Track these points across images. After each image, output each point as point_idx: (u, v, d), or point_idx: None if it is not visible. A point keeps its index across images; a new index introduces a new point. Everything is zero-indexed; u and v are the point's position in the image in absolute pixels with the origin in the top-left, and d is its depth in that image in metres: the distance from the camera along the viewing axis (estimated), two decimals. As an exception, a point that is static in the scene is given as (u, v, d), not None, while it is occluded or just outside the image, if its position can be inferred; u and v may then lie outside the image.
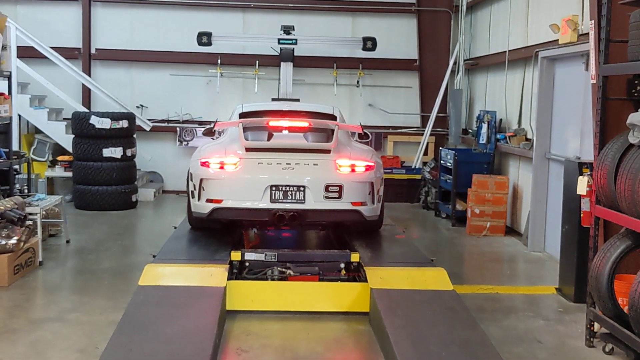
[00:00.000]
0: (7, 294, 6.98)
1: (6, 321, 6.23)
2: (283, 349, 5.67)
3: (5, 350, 5.53)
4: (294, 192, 7.13)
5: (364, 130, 8.24)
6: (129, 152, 12.11)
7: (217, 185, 7.22)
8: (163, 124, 13.88)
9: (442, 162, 11.80)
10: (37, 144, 12.88)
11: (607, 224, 6.48)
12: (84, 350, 5.53)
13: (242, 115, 8.25)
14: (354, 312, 6.46)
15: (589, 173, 6.44)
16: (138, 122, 12.76)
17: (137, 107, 13.65)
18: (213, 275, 6.39)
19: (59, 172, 12.67)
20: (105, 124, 11.74)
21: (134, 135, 12.47)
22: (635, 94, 6.09)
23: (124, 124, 11.96)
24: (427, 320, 5.70)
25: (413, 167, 13.43)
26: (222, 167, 7.21)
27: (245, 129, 7.44)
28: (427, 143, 13.64)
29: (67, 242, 9.24)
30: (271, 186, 7.09)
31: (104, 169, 11.79)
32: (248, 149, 7.28)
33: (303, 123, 7.55)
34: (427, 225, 11.45)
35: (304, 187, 7.11)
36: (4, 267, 7.15)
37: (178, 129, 13.85)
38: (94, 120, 11.73)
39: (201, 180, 7.30)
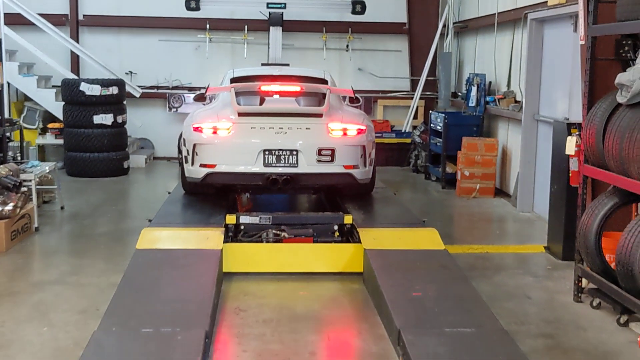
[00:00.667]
0: (5, 259, 7.08)
1: (7, 284, 6.34)
2: (280, 308, 5.81)
3: (8, 312, 5.65)
4: (286, 156, 7.21)
5: (355, 94, 8.31)
6: (119, 119, 12.12)
7: (210, 150, 7.28)
8: (153, 91, 13.88)
9: (431, 125, 11.90)
10: (26, 111, 12.87)
11: (595, 183, 6.63)
12: (86, 312, 5.65)
13: (234, 80, 8.28)
14: (348, 272, 6.60)
15: (577, 133, 6.57)
16: (128, 88, 12.77)
17: (126, 73, 13.63)
18: (209, 238, 6.51)
19: (49, 139, 12.69)
20: (95, 90, 11.74)
21: (124, 102, 12.47)
22: (623, 54, 6.19)
23: (113, 90, 11.96)
24: (420, 279, 5.85)
25: (403, 131, 13.53)
26: (215, 132, 7.27)
27: (237, 94, 7.49)
28: (417, 107, 13.72)
29: (62, 208, 9.32)
30: (264, 150, 7.17)
31: (95, 135, 11.82)
32: (241, 114, 7.33)
33: (295, 87, 7.61)
34: (418, 188, 11.59)
35: (296, 151, 7.20)
36: (1, 233, 7.23)
37: (167, 95, 13.85)
38: (83, 87, 11.72)
39: (194, 145, 7.36)
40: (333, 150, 7.25)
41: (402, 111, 13.97)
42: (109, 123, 11.91)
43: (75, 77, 12.58)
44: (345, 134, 7.37)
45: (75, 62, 13.60)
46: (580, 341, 5.29)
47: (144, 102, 13.71)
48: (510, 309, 5.90)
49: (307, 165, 7.22)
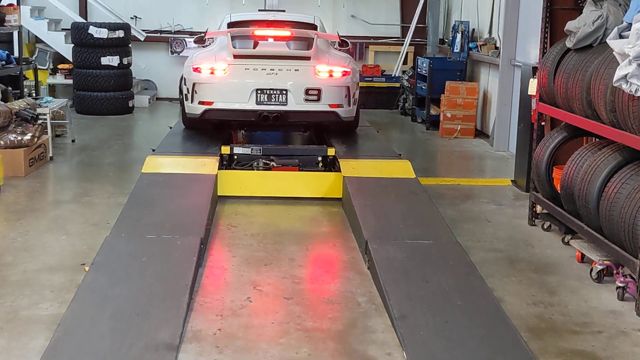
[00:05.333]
0: (24, 183, 7.89)
1: (27, 203, 7.18)
2: (267, 225, 6.65)
3: (31, 224, 6.49)
4: (277, 95, 7.96)
5: (342, 39, 9.01)
6: (125, 61, 12.84)
7: (208, 88, 8.03)
8: (156, 35, 14.52)
9: (418, 70, 12.58)
10: (37, 53, 13.57)
11: (553, 121, 7.38)
12: (98, 224, 6.48)
13: (230, 24, 8.97)
14: (328, 197, 7.40)
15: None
16: (133, 32, 13.43)
17: (131, 18, 14.26)
18: (206, 164, 7.31)
19: (59, 79, 13.43)
20: (102, 33, 12.43)
21: (130, 45, 13.15)
22: (580, 4, 6.87)
23: (120, 33, 12.66)
24: (389, 201, 6.67)
25: (393, 75, 14.17)
26: (212, 73, 8.02)
27: (233, 38, 8.19)
28: (407, 53, 14.34)
29: (73, 141, 10.11)
30: (257, 89, 7.92)
31: (102, 76, 12.55)
32: (236, 56, 8.06)
33: (286, 32, 8.31)
34: (404, 129, 12.34)
35: (286, 90, 7.94)
36: (21, 160, 8.03)
37: (170, 39, 14.50)
38: (92, 30, 12.41)
39: (194, 84, 8.10)
40: (319, 90, 7.98)
41: (392, 57, 14.61)
42: (116, 64, 12.63)
43: (84, 21, 13.24)
44: (330, 75, 8.10)
45: (83, 6, 14.26)
46: (526, 255, 6.12)
47: (147, 45, 14.38)
48: (470, 230, 6.70)
49: (296, 103, 7.97)
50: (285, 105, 7.97)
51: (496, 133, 10.45)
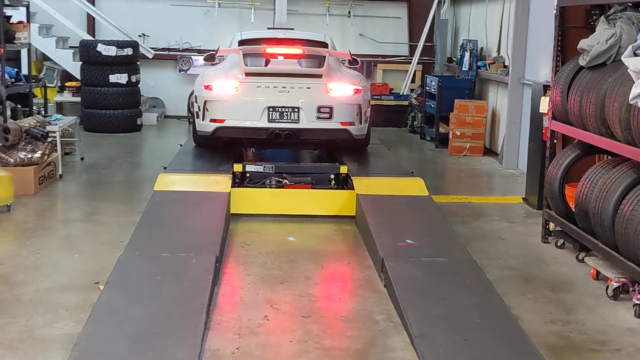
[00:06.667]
0: (34, 201, 7.88)
1: (38, 221, 7.16)
2: (281, 243, 6.63)
3: (42, 242, 6.48)
4: (289, 113, 7.97)
5: (353, 57, 9.03)
6: (133, 78, 12.88)
7: (220, 106, 8.04)
8: (164, 52, 14.58)
9: (427, 88, 12.60)
10: (45, 70, 13.62)
11: (565, 139, 7.37)
12: (110, 243, 6.45)
13: (241, 42, 9.00)
14: (341, 215, 7.38)
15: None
16: (141, 50, 13.48)
17: (140, 35, 14.32)
18: (218, 182, 7.29)
19: (67, 97, 13.45)
20: (111, 51, 12.48)
21: (138, 63, 13.20)
22: (592, 23, 6.89)
23: (128, 51, 12.70)
24: (404, 219, 6.66)
25: (401, 93, 14.21)
26: (224, 90, 8.03)
27: (244, 56, 8.21)
28: (415, 71, 14.38)
29: (82, 159, 10.10)
30: (269, 107, 7.93)
31: (110, 93, 12.58)
32: (248, 74, 8.07)
33: (297, 50, 8.33)
34: (413, 146, 12.34)
35: (298, 108, 7.95)
36: (31, 177, 8.02)
37: (178, 57, 14.56)
38: (100, 47, 12.45)
39: (205, 102, 8.11)
40: (331, 108, 7.99)
41: (400, 75, 14.65)
42: (124, 82, 12.67)
43: (92, 39, 13.30)
44: (342, 93, 8.11)
45: (91, 24, 14.32)
46: (541, 273, 6.09)
47: (155, 63, 14.44)
48: (483, 247, 6.68)
49: (308, 121, 7.98)
50: (297, 123, 7.97)
51: (505, 151, 10.44)
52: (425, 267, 5.56)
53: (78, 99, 13.00)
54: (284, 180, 7.70)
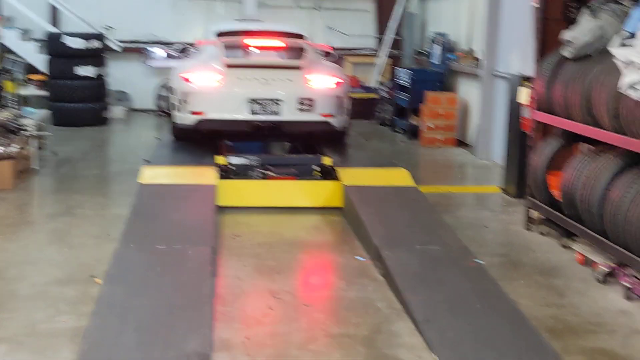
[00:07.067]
0: (13, 195, 7.71)
1: (20, 216, 7.03)
2: (271, 234, 6.63)
3: (28, 237, 6.36)
4: (270, 105, 7.96)
5: (328, 50, 9.09)
6: (100, 71, 12.67)
7: (200, 98, 7.99)
8: (129, 45, 14.36)
9: (398, 80, 12.69)
10: (7, 63, 13.26)
11: (546, 129, 7.51)
12: (99, 237, 6.37)
13: (220, 34, 8.94)
14: (328, 206, 7.38)
15: (531, 86, 7.43)
16: (108, 43, 13.26)
17: (105, 28, 14.06)
18: (204, 175, 7.26)
19: (31, 90, 13.14)
20: (79, 43, 12.26)
21: (105, 55, 12.99)
22: (569, 14, 7.04)
23: (95, 44, 12.49)
24: (394, 208, 6.73)
25: (370, 86, 14.28)
26: (205, 82, 7.97)
27: (225, 47, 8.17)
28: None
29: (55, 153, 9.91)
30: (250, 99, 7.90)
31: (78, 87, 12.37)
32: (229, 66, 8.04)
33: (279, 42, 8.33)
34: (385, 138, 12.43)
35: (279, 100, 7.94)
36: (9, 172, 7.85)
37: (144, 49, 14.36)
38: (67, 40, 12.22)
39: (185, 94, 8.04)
40: (312, 100, 8.02)
41: (369, 68, 14.74)
42: (91, 75, 12.45)
43: (59, 31, 13.03)
44: (323, 85, 8.14)
45: (54, 16, 14.01)
46: (529, 259, 6.21)
47: (121, 55, 14.17)
48: (470, 236, 6.76)
49: (289, 113, 7.99)
50: (279, 115, 7.97)
51: (478, 142, 10.60)
52: (420, 255, 5.64)
53: (42, 93, 12.73)
54: (269, 172, 7.69)
